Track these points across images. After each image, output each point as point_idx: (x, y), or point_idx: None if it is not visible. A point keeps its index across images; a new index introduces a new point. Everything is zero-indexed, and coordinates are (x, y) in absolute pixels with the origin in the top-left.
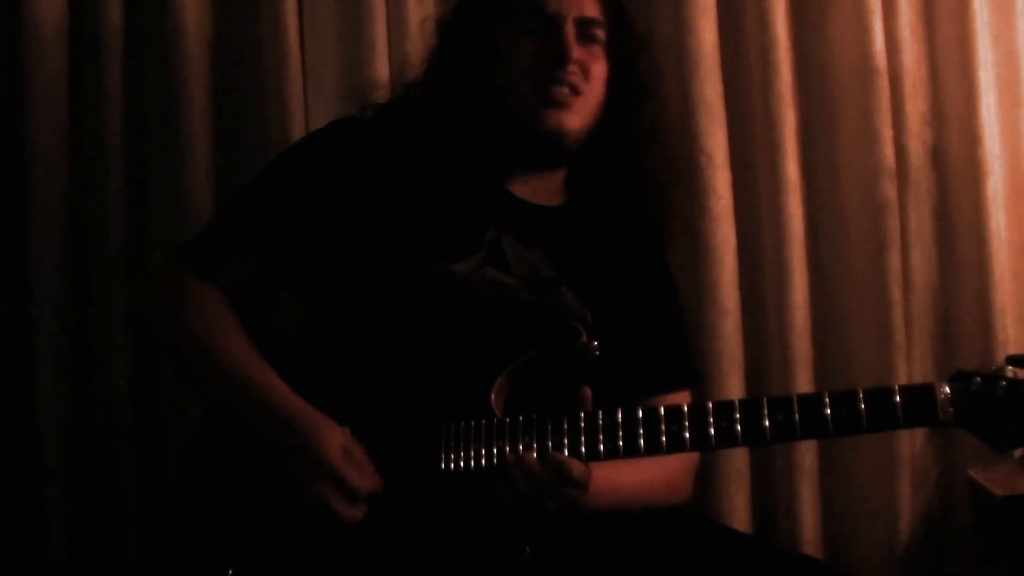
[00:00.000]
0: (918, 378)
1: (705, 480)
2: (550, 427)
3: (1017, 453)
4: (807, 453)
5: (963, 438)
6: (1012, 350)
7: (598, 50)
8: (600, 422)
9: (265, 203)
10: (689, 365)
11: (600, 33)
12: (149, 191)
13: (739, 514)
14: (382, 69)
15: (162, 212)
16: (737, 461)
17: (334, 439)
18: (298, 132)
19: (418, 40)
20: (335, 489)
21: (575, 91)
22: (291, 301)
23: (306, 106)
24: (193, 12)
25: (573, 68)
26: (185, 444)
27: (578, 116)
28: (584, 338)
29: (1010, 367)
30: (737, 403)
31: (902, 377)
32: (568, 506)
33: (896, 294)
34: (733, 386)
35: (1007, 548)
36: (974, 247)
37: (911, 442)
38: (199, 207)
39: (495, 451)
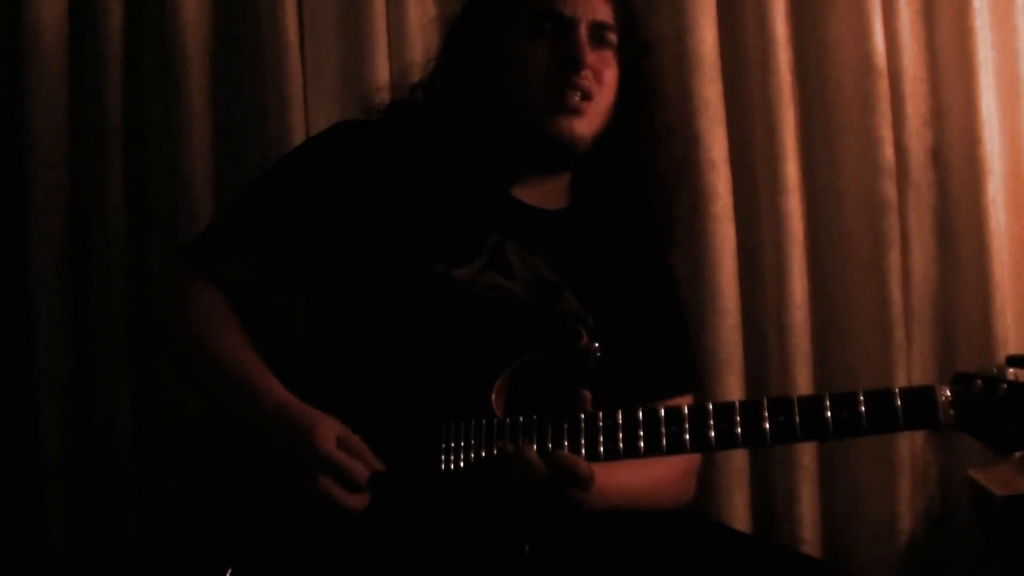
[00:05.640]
0: (918, 378)
1: (705, 480)
2: (550, 428)
3: (1017, 454)
4: (807, 453)
5: (963, 438)
6: (1012, 350)
7: (610, 55)
8: (600, 423)
9: (268, 204)
10: (691, 370)
11: (612, 37)
12: (149, 191)
13: (739, 514)
14: (382, 70)
15: (162, 212)
16: (737, 461)
17: (328, 430)
18: (298, 132)
19: (419, 41)
20: (334, 479)
21: (587, 96)
22: (292, 302)
23: (306, 106)
24: (193, 12)
25: (586, 73)
26: (185, 443)
27: (589, 122)
28: (585, 339)
29: (1010, 368)
30: (737, 405)
31: (902, 377)
32: (569, 506)
33: (896, 294)
34: (732, 386)
35: (1007, 548)
36: (974, 247)
37: (911, 442)
38: (199, 207)
39: (495, 451)
